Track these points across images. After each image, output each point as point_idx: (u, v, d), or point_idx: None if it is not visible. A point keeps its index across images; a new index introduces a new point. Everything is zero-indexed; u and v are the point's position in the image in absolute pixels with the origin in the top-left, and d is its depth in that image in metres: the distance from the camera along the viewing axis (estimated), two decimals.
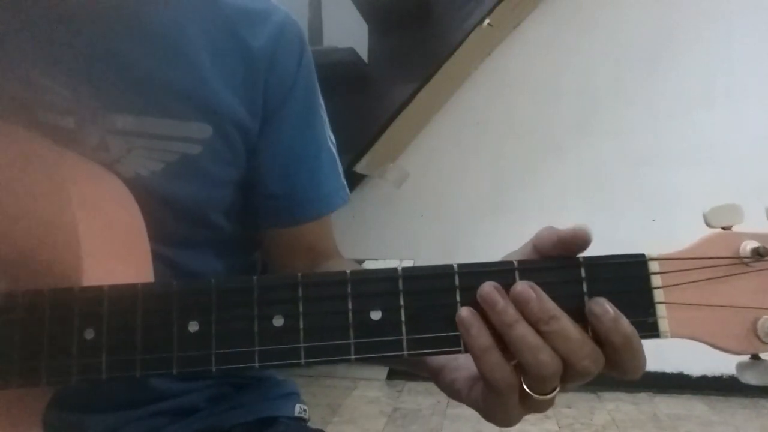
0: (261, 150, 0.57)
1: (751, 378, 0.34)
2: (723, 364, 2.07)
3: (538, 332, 0.33)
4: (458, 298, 0.34)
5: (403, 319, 0.34)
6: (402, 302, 0.34)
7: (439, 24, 1.84)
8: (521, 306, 0.33)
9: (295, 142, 0.59)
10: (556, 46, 2.08)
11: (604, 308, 0.33)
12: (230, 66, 0.54)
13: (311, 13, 1.93)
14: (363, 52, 1.91)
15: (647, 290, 0.34)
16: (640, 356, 0.34)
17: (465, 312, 0.34)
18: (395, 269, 0.35)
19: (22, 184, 0.43)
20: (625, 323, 0.33)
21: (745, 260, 0.34)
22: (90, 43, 0.49)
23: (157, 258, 0.46)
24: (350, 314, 0.34)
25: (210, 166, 0.54)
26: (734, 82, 1.98)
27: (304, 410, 0.64)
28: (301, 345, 0.34)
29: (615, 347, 0.33)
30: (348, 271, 0.35)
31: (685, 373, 2.01)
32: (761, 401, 1.93)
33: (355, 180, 2.09)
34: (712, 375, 2.00)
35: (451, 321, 0.34)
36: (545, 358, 0.33)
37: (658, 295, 0.34)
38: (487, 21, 1.78)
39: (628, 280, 0.34)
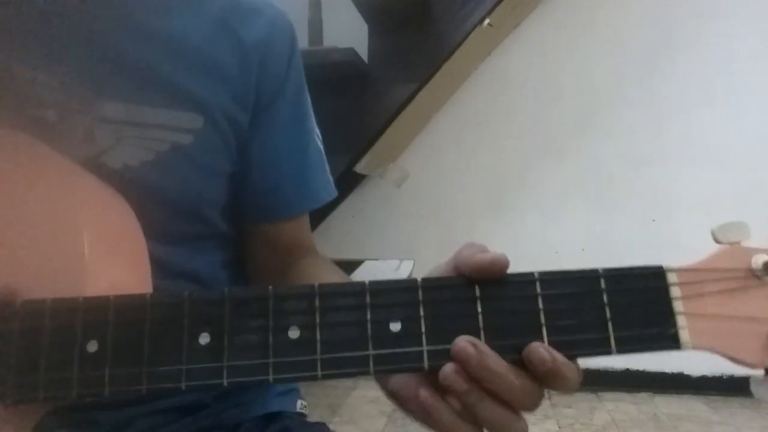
0: (250, 145, 0.57)
1: (766, 393, 0.34)
2: (723, 364, 2.06)
3: (487, 389, 0.33)
4: (479, 308, 0.33)
5: (423, 330, 0.33)
6: (422, 313, 0.33)
7: (439, 24, 1.84)
8: (462, 364, 0.32)
9: (284, 139, 0.60)
10: (556, 46, 2.08)
11: (541, 357, 0.32)
12: (222, 58, 0.54)
13: (311, 13, 1.93)
14: (363, 52, 1.91)
15: (667, 301, 0.34)
16: (573, 383, 0.33)
17: (424, 394, 0.33)
18: (415, 279, 0.34)
19: (20, 187, 0.41)
20: (561, 365, 0.32)
21: (757, 273, 0.34)
22: (78, 32, 0.49)
23: (150, 257, 0.45)
24: (369, 325, 0.33)
25: (201, 157, 0.53)
26: (734, 82, 1.98)
27: (305, 406, 0.65)
28: (318, 357, 0.33)
29: (554, 385, 0.33)
30: (366, 282, 0.34)
31: (685, 373, 2.01)
32: (761, 401, 1.93)
33: (355, 180, 2.09)
34: (712, 375, 1.99)
35: (471, 332, 0.33)
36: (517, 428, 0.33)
37: (678, 305, 0.34)
38: (487, 21, 1.78)
39: (648, 291, 0.34)
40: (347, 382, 2.03)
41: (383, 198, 2.19)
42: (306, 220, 0.65)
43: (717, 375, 1.99)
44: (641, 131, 2.04)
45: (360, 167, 1.88)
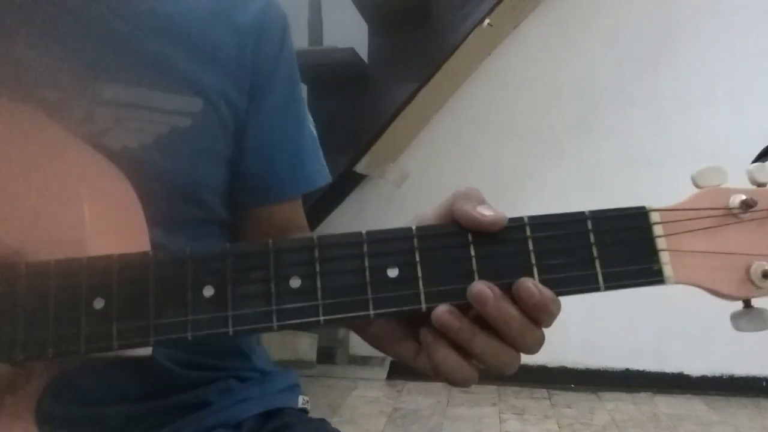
0: (246, 128, 0.58)
1: (744, 325, 0.36)
2: (723, 364, 2.08)
3: (497, 330, 0.34)
4: (472, 252, 0.35)
5: (420, 274, 0.35)
6: (418, 258, 0.35)
7: (439, 24, 1.84)
8: (478, 306, 0.34)
9: (279, 121, 0.60)
10: (556, 46, 2.08)
11: (529, 291, 0.34)
12: (220, 41, 0.55)
13: (311, 13, 1.93)
14: (363, 52, 1.91)
15: (650, 239, 0.36)
16: (555, 317, 0.35)
17: (423, 331, 0.35)
18: (410, 228, 0.36)
19: (24, 159, 0.42)
20: (548, 299, 0.34)
21: (735, 211, 0.36)
22: (77, 14, 0.49)
23: (150, 243, 0.45)
24: (367, 272, 0.34)
25: (200, 140, 0.54)
26: (735, 82, 1.98)
27: (306, 401, 0.65)
28: (319, 303, 0.34)
29: (541, 319, 0.35)
30: (364, 232, 0.35)
31: (685, 373, 2.01)
32: (761, 401, 1.93)
33: (355, 180, 2.09)
34: (712, 375, 2.00)
35: (465, 274, 0.35)
36: (506, 359, 0.35)
37: (661, 243, 0.36)
38: (487, 21, 1.78)
39: (632, 230, 0.36)
40: (347, 382, 2.03)
41: (383, 198, 2.19)
42: (299, 203, 0.66)
43: (717, 375, 1.99)
44: (641, 131, 2.04)
45: (360, 167, 1.88)
